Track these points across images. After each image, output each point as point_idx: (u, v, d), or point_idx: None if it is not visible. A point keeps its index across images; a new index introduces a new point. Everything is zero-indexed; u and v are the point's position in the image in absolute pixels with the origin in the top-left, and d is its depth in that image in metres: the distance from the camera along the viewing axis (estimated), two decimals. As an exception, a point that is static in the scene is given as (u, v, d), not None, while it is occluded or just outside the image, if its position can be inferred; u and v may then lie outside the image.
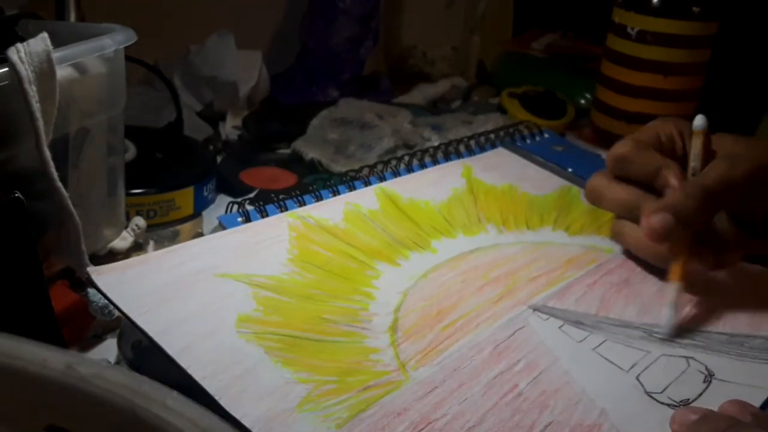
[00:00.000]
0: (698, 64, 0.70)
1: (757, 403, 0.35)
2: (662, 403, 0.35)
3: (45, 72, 0.38)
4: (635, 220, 0.45)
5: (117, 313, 0.42)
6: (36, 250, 0.37)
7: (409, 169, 0.54)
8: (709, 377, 0.37)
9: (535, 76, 0.85)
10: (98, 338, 0.43)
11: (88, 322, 0.43)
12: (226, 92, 0.72)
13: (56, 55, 0.38)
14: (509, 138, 0.61)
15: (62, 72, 0.39)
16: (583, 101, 0.82)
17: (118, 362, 0.40)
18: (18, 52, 0.37)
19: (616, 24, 0.71)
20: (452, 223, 0.48)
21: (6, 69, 0.37)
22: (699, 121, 0.47)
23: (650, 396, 0.35)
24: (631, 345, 0.39)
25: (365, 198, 0.48)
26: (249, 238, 0.42)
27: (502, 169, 0.56)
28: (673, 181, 0.44)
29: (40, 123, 0.38)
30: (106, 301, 0.41)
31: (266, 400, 0.31)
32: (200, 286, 0.37)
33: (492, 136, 0.60)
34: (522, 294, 0.42)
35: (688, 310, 0.42)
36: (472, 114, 0.75)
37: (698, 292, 0.43)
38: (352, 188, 0.50)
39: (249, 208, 0.46)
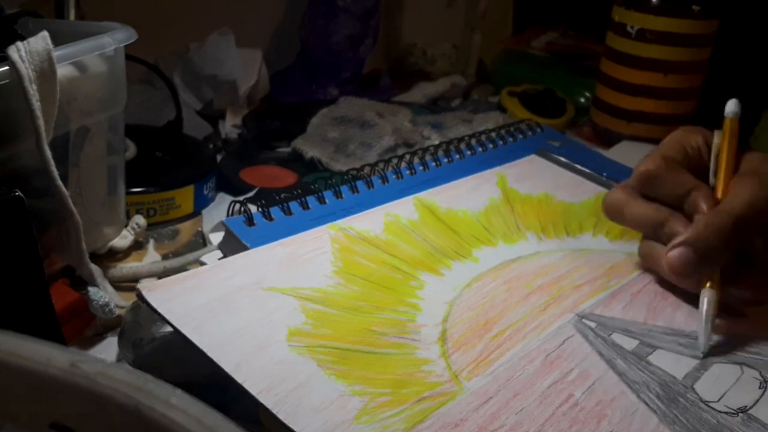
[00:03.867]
0: (698, 63, 0.70)
1: None
2: (719, 411, 0.34)
3: (45, 70, 0.38)
4: (661, 239, 0.42)
5: (117, 311, 0.42)
6: (36, 248, 0.37)
7: (411, 168, 0.54)
8: (764, 383, 0.36)
9: (534, 75, 0.85)
10: (99, 337, 0.43)
11: (89, 320, 0.43)
12: (226, 91, 0.72)
13: (56, 53, 0.38)
14: (510, 136, 0.61)
15: (62, 70, 0.39)
16: (582, 99, 0.82)
17: (119, 361, 0.40)
18: (18, 51, 0.37)
19: (616, 22, 0.71)
20: (492, 232, 0.48)
21: (6, 68, 0.37)
22: (731, 107, 0.45)
23: (707, 404, 0.35)
24: (682, 353, 0.38)
25: (404, 208, 0.48)
26: (293, 251, 0.42)
27: (536, 178, 0.56)
28: (703, 206, 0.41)
29: (41, 121, 0.38)
30: (107, 300, 0.42)
31: (323, 413, 0.31)
32: (248, 301, 0.37)
33: (493, 134, 0.60)
34: (568, 302, 0.42)
35: (725, 321, 0.40)
36: (472, 112, 0.75)
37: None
38: (354, 189, 0.50)
39: (252, 209, 0.46)
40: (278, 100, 0.78)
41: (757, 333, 0.40)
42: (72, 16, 0.56)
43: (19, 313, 0.37)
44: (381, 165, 0.53)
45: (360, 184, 0.50)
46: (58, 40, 0.39)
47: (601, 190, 0.55)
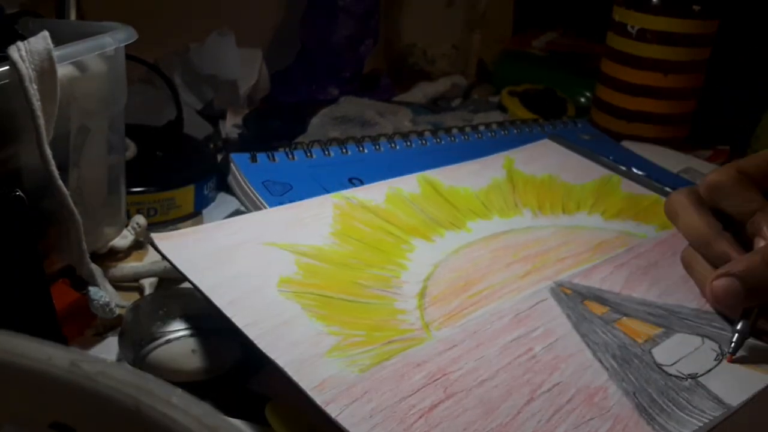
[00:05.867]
0: (698, 63, 0.70)
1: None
2: (669, 375, 0.35)
3: (46, 70, 0.38)
4: (706, 256, 0.41)
5: (118, 311, 0.42)
6: (37, 248, 0.37)
7: (424, 139, 0.56)
8: (721, 356, 0.37)
9: (535, 75, 0.85)
10: (99, 337, 0.42)
11: (89, 320, 0.43)
12: (227, 90, 0.72)
13: (57, 53, 0.38)
14: (539, 127, 0.62)
15: (63, 70, 0.39)
16: (583, 99, 0.82)
17: (119, 361, 0.40)
18: (19, 51, 0.37)
19: (616, 22, 0.71)
20: (489, 207, 0.50)
21: (7, 67, 0.37)
22: None
23: (659, 367, 0.36)
24: (647, 320, 0.40)
25: (407, 183, 0.51)
26: (296, 214, 0.46)
27: (543, 160, 0.57)
28: (765, 232, 0.38)
29: (41, 121, 0.38)
30: (107, 300, 0.42)
31: (299, 346, 0.34)
32: (249, 252, 0.41)
33: (492, 133, 0.60)
34: (549, 271, 0.43)
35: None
36: (473, 112, 0.75)
37: None
38: (361, 149, 0.54)
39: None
40: (278, 100, 0.78)
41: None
42: (72, 15, 0.56)
43: (20, 313, 0.37)
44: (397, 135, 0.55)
45: (368, 145, 0.52)
46: (58, 40, 0.39)
47: (607, 173, 0.56)
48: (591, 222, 0.50)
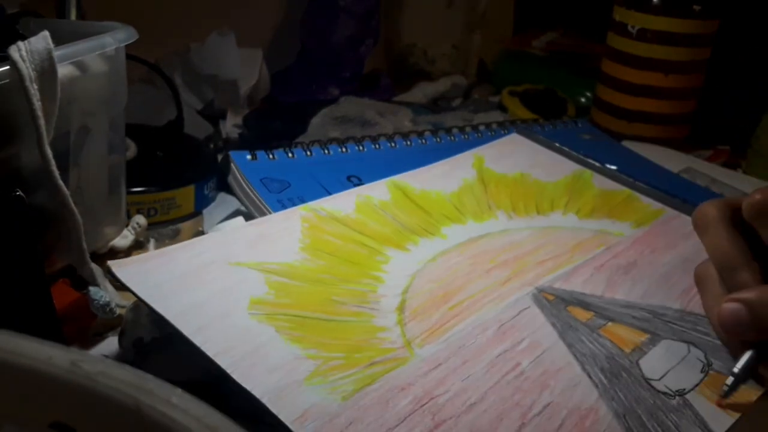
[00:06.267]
0: (699, 63, 0.70)
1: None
2: (658, 391, 0.35)
3: (46, 70, 0.38)
4: (726, 281, 0.38)
5: (118, 311, 0.42)
6: (37, 248, 0.37)
7: (422, 138, 0.56)
8: (707, 367, 0.37)
9: (535, 75, 0.85)
10: (99, 336, 0.43)
11: (90, 320, 0.43)
12: (227, 90, 0.72)
13: (57, 53, 0.38)
14: (539, 126, 0.62)
15: (63, 70, 0.39)
16: (583, 99, 0.82)
17: (119, 361, 0.40)
18: (19, 51, 0.37)
19: (617, 22, 0.71)
20: (462, 211, 0.49)
21: (7, 67, 0.37)
22: None
23: (648, 382, 0.36)
24: (634, 325, 0.39)
25: (377, 190, 0.50)
26: (263, 230, 0.43)
27: (514, 157, 0.56)
28: None
29: (42, 121, 0.38)
30: (108, 300, 0.42)
31: (275, 373, 0.32)
32: (215, 275, 0.39)
33: (492, 133, 0.60)
34: (529, 276, 0.43)
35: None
36: (473, 112, 0.75)
37: None
38: (361, 148, 0.54)
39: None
40: (279, 100, 0.78)
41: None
42: (73, 15, 0.56)
43: (20, 313, 0.37)
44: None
45: (367, 144, 0.52)
46: (59, 40, 0.39)
47: (578, 168, 0.56)
48: (566, 222, 0.49)
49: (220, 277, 0.38)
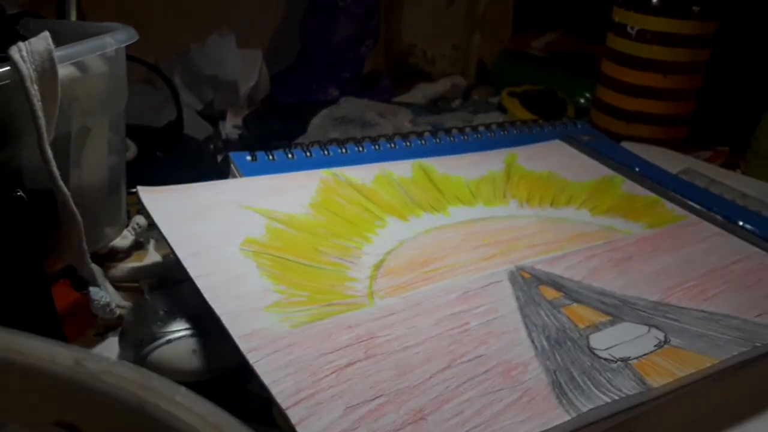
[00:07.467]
0: (698, 63, 0.70)
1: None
2: (599, 357, 0.35)
3: (47, 71, 0.38)
4: None
5: (119, 311, 0.42)
6: (38, 248, 0.37)
7: (434, 137, 0.57)
8: (662, 343, 0.36)
9: (535, 75, 0.85)
10: (100, 337, 0.43)
11: (90, 320, 0.43)
12: (227, 91, 0.72)
13: (58, 53, 0.38)
14: (539, 127, 0.62)
15: (64, 71, 0.39)
16: (582, 100, 0.82)
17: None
18: (20, 51, 0.37)
19: (616, 23, 0.71)
20: (476, 196, 0.50)
21: (8, 68, 0.37)
22: None
23: (591, 350, 0.35)
24: (598, 308, 0.39)
25: (400, 168, 0.52)
26: (282, 183, 0.47)
27: (548, 159, 0.57)
28: None
29: (42, 122, 0.38)
30: (108, 300, 0.42)
31: (242, 299, 0.35)
32: (225, 213, 0.43)
33: (492, 134, 0.60)
34: (514, 256, 0.43)
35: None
36: (473, 113, 0.75)
37: None
38: (361, 148, 0.55)
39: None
40: (278, 101, 0.78)
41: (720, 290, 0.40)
42: (73, 16, 0.56)
43: (21, 313, 0.37)
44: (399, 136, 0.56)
45: (367, 144, 0.53)
46: (59, 41, 0.39)
47: (610, 173, 0.55)
48: (577, 216, 0.49)
49: (228, 216, 0.42)
